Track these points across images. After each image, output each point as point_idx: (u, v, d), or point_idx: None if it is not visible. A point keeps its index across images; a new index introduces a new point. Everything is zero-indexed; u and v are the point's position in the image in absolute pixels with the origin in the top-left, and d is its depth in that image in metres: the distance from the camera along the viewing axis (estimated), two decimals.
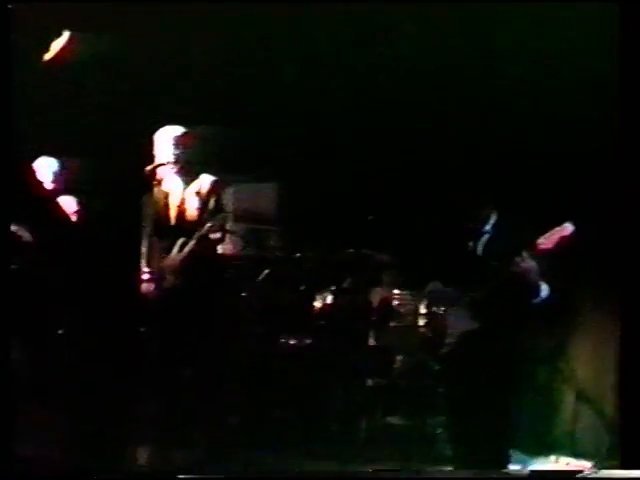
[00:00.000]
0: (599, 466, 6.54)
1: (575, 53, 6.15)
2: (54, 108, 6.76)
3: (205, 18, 6.74)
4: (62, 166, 6.54)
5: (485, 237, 5.71)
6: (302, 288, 7.08)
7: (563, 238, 5.38)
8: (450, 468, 6.00)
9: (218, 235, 6.43)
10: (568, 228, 5.39)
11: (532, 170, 6.43)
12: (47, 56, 6.18)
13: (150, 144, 6.41)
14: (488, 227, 5.71)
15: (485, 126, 6.64)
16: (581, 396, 7.07)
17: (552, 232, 5.40)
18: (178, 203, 6.44)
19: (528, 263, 5.44)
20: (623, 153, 5.05)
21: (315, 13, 6.65)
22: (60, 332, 6.24)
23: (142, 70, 7.02)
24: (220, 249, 7.00)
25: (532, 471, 5.43)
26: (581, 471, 5.82)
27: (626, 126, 5.00)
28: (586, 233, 5.42)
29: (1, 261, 5.02)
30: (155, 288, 6.39)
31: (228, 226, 6.70)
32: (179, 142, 6.40)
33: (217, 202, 6.47)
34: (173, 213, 6.45)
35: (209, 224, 6.33)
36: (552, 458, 7.01)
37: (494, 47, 6.48)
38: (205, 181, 6.47)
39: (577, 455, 6.91)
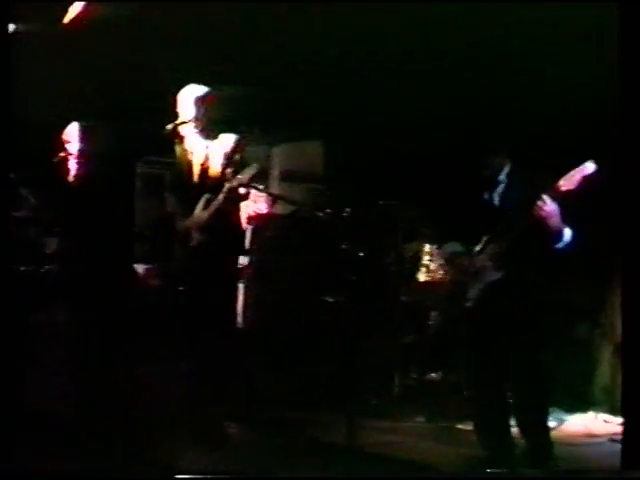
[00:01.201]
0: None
1: None
2: (71, 74, 6.80)
3: None
4: (88, 130, 6.60)
5: (502, 186, 5.56)
6: (333, 244, 6.98)
7: (585, 178, 5.15)
8: None
9: (244, 191, 6.40)
10: (589, 167, 5.14)
11: (543, 115, 6.22)
12: (65, 20, 6.21)
13: (173, 104, 6.43)
14: (502, 176, 5.55)
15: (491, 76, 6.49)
16: (620, 350, 6.86)
17: (573, 172, 5.17)
18: (202, 161, 6.40)
19: (550, 206, 5.25)
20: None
21: None
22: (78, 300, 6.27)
23: (168, 29, 6.98)
24: (250, 206, 7.03)
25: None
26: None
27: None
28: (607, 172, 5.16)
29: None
30: (181, 246, 6.42)
31: (255, 182, 6.62)
32: (202, 101, 6.39)
33: (241, 159, 6.43)
34: (197, 171, 6.42)
35: (238, 177, 6.29)
36: (590, 414, 6.88)
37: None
38: (228, 139, 6.44)
39: (616, 411, 6.73)
